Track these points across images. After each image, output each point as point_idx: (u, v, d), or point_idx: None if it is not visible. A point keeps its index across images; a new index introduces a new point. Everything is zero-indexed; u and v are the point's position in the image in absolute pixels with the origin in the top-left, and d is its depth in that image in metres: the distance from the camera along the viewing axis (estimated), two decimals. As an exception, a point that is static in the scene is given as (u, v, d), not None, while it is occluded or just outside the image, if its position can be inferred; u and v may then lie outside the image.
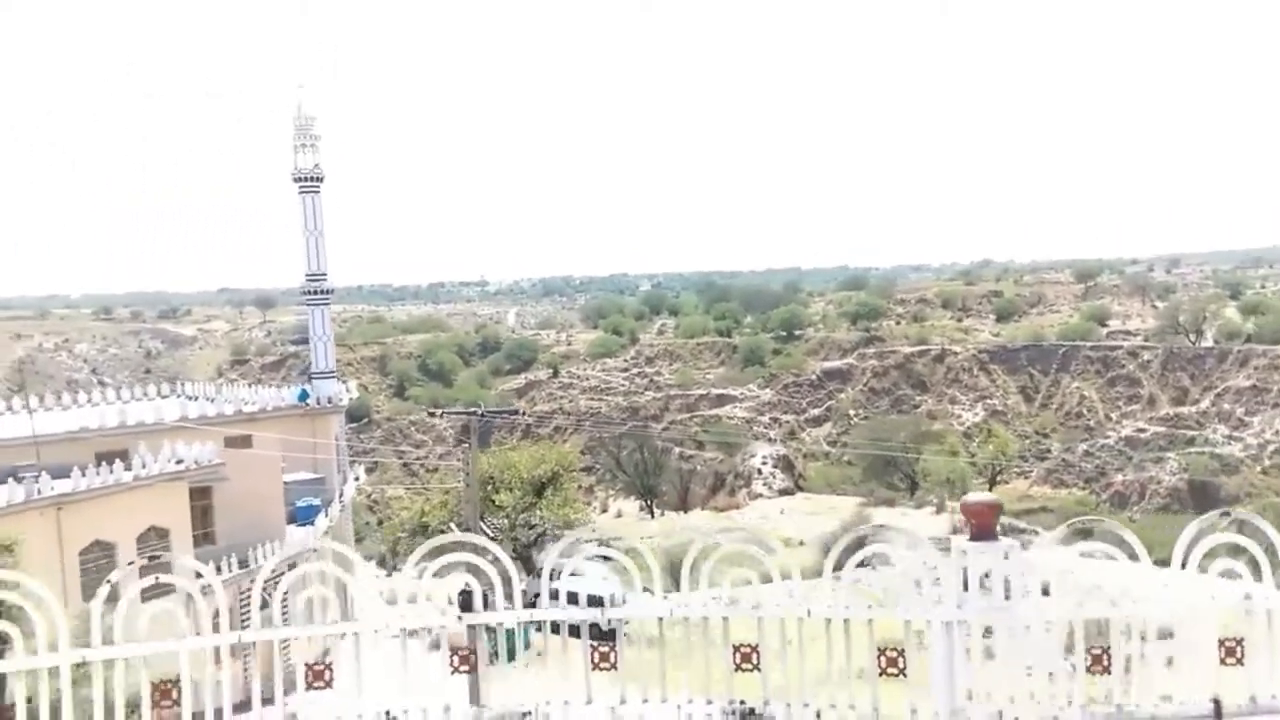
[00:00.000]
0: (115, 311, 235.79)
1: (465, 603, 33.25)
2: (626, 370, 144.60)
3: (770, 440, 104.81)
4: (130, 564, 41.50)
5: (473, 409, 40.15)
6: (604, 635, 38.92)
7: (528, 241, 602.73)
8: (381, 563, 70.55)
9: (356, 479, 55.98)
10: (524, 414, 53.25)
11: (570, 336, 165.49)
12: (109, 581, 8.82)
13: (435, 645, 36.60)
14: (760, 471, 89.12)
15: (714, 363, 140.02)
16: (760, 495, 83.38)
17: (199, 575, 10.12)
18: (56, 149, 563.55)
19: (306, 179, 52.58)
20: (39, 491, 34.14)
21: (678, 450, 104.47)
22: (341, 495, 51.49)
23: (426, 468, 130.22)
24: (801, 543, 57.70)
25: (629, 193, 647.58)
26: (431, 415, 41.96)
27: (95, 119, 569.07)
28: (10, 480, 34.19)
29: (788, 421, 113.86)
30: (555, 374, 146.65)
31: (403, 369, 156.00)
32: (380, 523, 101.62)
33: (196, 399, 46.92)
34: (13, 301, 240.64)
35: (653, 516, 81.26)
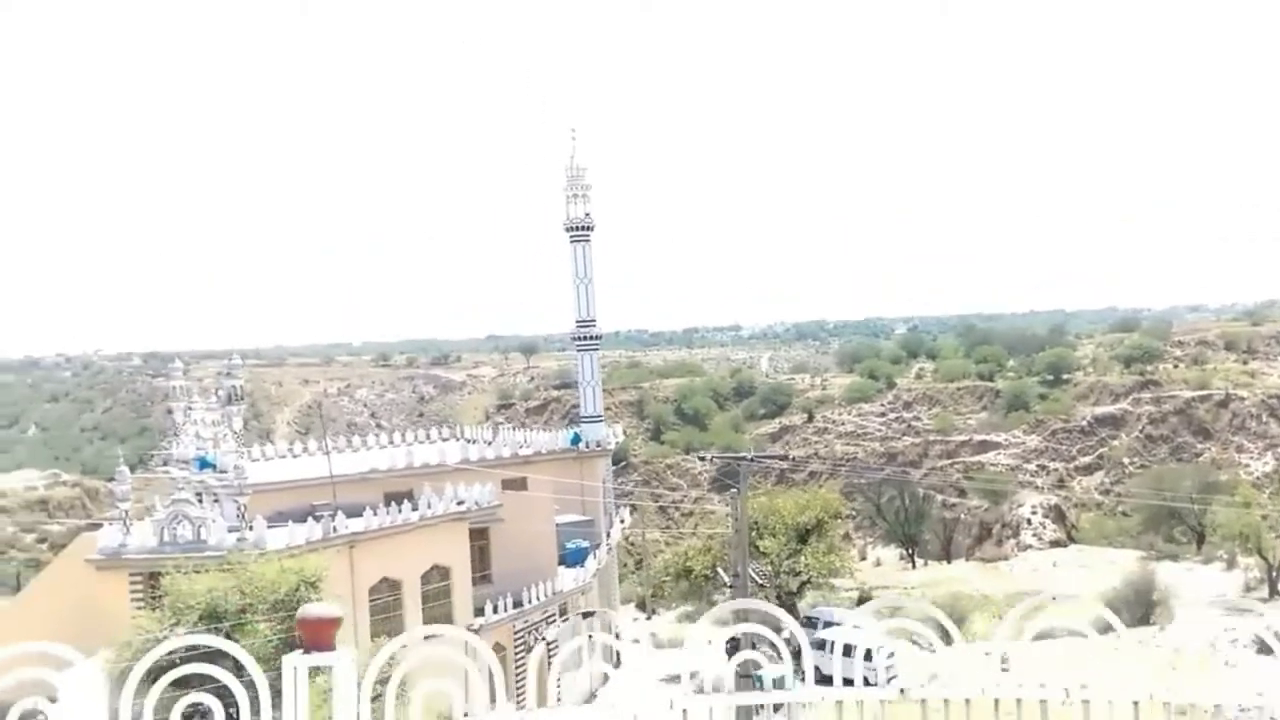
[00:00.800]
0: (392, 358, 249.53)
1: (733, 650, 33.04)
2: (883, 415, 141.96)
3: (1038, 489, 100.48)
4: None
5: (741, 454, 40.11)
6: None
7: (780, 286, 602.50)
8: (641, 606, 71.33)
9: (621, 522, 56.90)
10: (791, 459, 52.81)
11: (825, 381, 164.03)
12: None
13: (699, 690, 36.11)
14: (1029, 521, 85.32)
15: (975, 407, 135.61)
16: (1029, 546, 79.76)
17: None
18: (334, 205, 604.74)
19: (578, 228, 54.18)
20: (335, 529, 36.24)
21: (939, 498, 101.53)
22: (608, 538, 52.43)
23: (681, 511, 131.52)
24: (1054, 599, 54.84)
25: (883, 236, 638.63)
26: (700, 459, 42.11)
27: (381, 169, 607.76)
28: (310, 519, 36.48)
29: (1056, 469, 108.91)
30: (810, 419, 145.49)
31: (659, 413, 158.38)
32: (638, 565, 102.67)
33: (475, 442, 48.88)
34: (302, 350, 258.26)
35: (914, 566, 79.04)
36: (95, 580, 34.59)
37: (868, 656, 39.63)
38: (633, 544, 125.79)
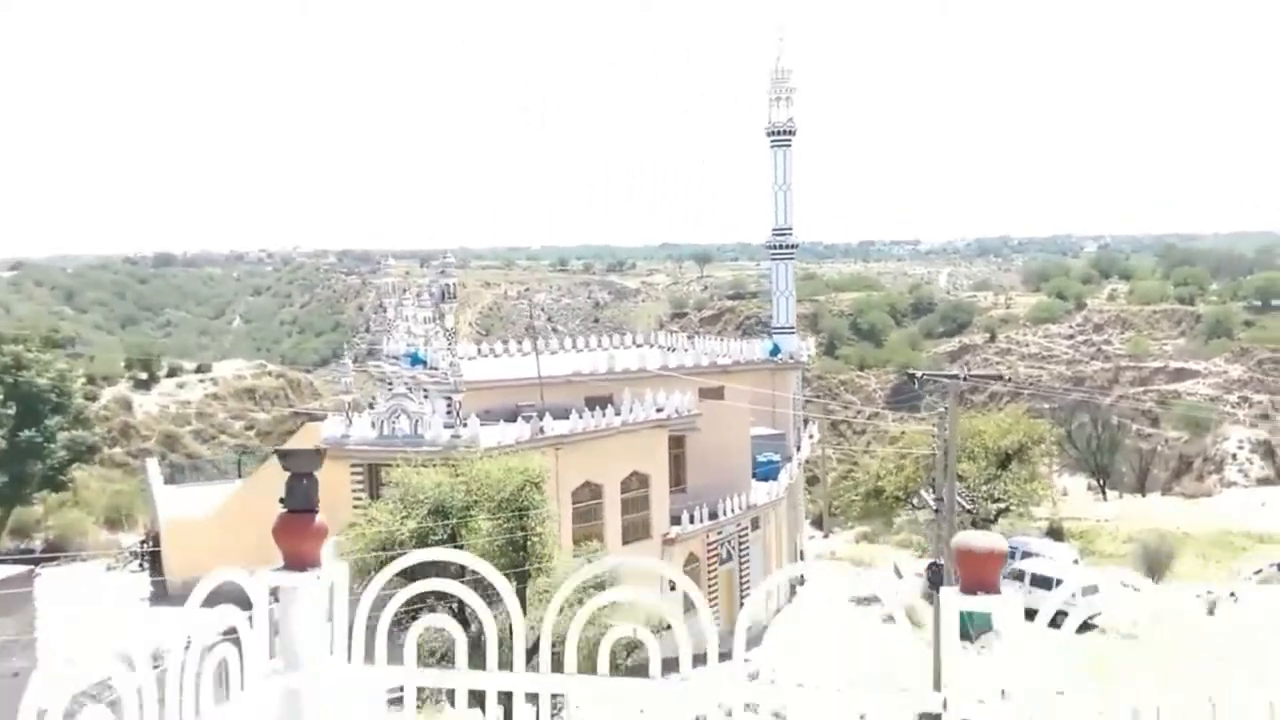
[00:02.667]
0: (569, 263, 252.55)
1: (935, 577, 32.39)
2: (1071, 337, 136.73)
3: (1237, 421, 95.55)
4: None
5: (955, 373, 39.04)
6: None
7: (962, 200, 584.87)
8: (817, 523, 70.84)
9: (811, 437, 56.47)
10: (1007, 380, 51.12)
11: (1009, 299, 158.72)
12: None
13: (889, 618, 35.89)
14: (1234, 457, 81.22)
15: (1172, 333, 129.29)
16: (1234, 483, 76.05)
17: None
18: (524, 107, 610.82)
19: (780, 132, 53.14)
20: (542, 431, 36.90)
21: (1133, 427, 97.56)
22: (798, 452, 52.15)
23: (854, 429, 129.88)
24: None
25: (1071, 147, 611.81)
26: (910, 377, 40.93)
27: (557, 78, 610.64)
28: (520, 419, 37.24)
29: (1260, 402, 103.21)
30: (992, 338, 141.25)
31: (834, 327, 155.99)
32: (812, 481, 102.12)
33: (674, 349, 48.97)
34: (484, 253, 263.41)
35: (1104, 497, 76.33)
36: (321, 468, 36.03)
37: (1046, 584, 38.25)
38: (807, 460, 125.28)
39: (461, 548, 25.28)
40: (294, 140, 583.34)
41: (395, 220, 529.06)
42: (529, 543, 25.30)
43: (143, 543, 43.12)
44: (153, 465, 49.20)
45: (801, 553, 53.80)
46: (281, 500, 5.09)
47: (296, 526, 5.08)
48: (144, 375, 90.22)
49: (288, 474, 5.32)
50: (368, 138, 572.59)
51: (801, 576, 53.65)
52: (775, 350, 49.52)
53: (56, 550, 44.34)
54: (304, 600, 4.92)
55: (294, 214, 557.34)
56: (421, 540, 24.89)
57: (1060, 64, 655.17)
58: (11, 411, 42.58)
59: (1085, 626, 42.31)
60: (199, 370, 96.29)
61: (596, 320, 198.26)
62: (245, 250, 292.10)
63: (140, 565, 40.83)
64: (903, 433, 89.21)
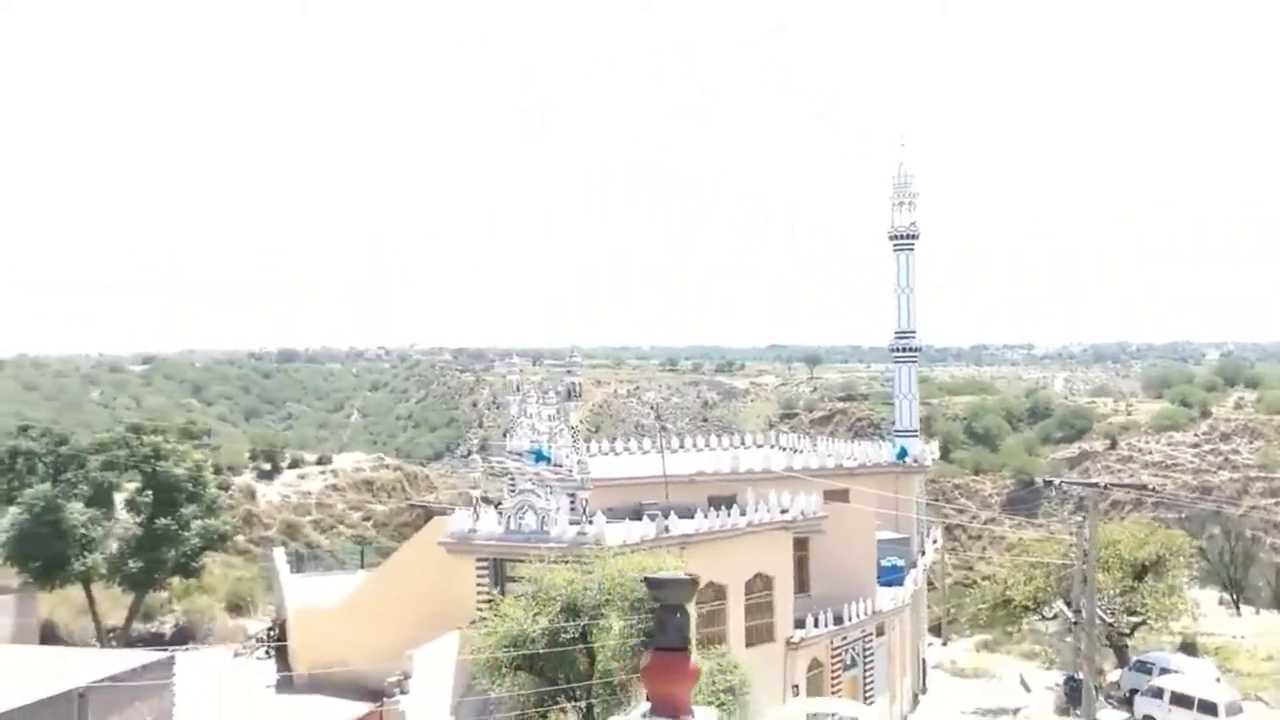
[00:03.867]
0: (679, 363, 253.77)
1: (1073, 691, 31.10)
2: (1197, 446, 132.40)
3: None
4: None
5: (1094, 481, 37.96)
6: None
7: (1077, 304, 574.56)
8: (935, 630, 68.91)
9: (935, 542, 55.24)
10: (1154, 490, 49.45)
11: (1130, 406, 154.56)
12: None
13: None
14: (1381, 573, 77.29)
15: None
16: (1378, 601, 72.30)
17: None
18: (634, 205, 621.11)
19: (902, 236, 53.12)
20: (668, 529, 36.67)
21: (1268, 540, 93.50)
22: (922, 557, 51.03)
23: (969, 534, 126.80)
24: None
25: (1190, 252, 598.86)
26: (1048, 483, 39.73)
27: (675, 181, 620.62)
28: (645, 517, 37.11)
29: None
30: (1113, 445, 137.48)
31: (948, 430, 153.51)
32: (929, 586, 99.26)
33: (800, 451, 48.59)
34: (595, 351, 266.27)
35: (1239, 612, 72.96)
36: (445, 563, 36.35)
37: (1211, 710, 36.86)
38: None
39: (592, 648, 25.09)
40: (411, 240, 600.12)
41: (508, 318, 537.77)
42: (662, 644, 24.95)
43: (269, 630, 43.74)
44: (279, 553, 50.13)
45: (924, 661, 52.30)
46: (647, 636, 4.82)
47: (670, 668, 4.76)
48: (268, 466, 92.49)
49: (658, 605, 5.10)
50: (483, 239, 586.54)
51: (925, 685, 52.15)
52: (902, 453, 48.80)
53: (185, 635, 45.27)
54: None
55: (412, 312, 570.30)
56: (553, 639, 24.75)
57: (1171, 168, 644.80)
58: (149, 499, 43.95)
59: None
60: (320, 462, 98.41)
61: (705, 420, 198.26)
62: (364, 347, 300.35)
63: (267, 653, 41.35)
64: (1020, 539, 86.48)
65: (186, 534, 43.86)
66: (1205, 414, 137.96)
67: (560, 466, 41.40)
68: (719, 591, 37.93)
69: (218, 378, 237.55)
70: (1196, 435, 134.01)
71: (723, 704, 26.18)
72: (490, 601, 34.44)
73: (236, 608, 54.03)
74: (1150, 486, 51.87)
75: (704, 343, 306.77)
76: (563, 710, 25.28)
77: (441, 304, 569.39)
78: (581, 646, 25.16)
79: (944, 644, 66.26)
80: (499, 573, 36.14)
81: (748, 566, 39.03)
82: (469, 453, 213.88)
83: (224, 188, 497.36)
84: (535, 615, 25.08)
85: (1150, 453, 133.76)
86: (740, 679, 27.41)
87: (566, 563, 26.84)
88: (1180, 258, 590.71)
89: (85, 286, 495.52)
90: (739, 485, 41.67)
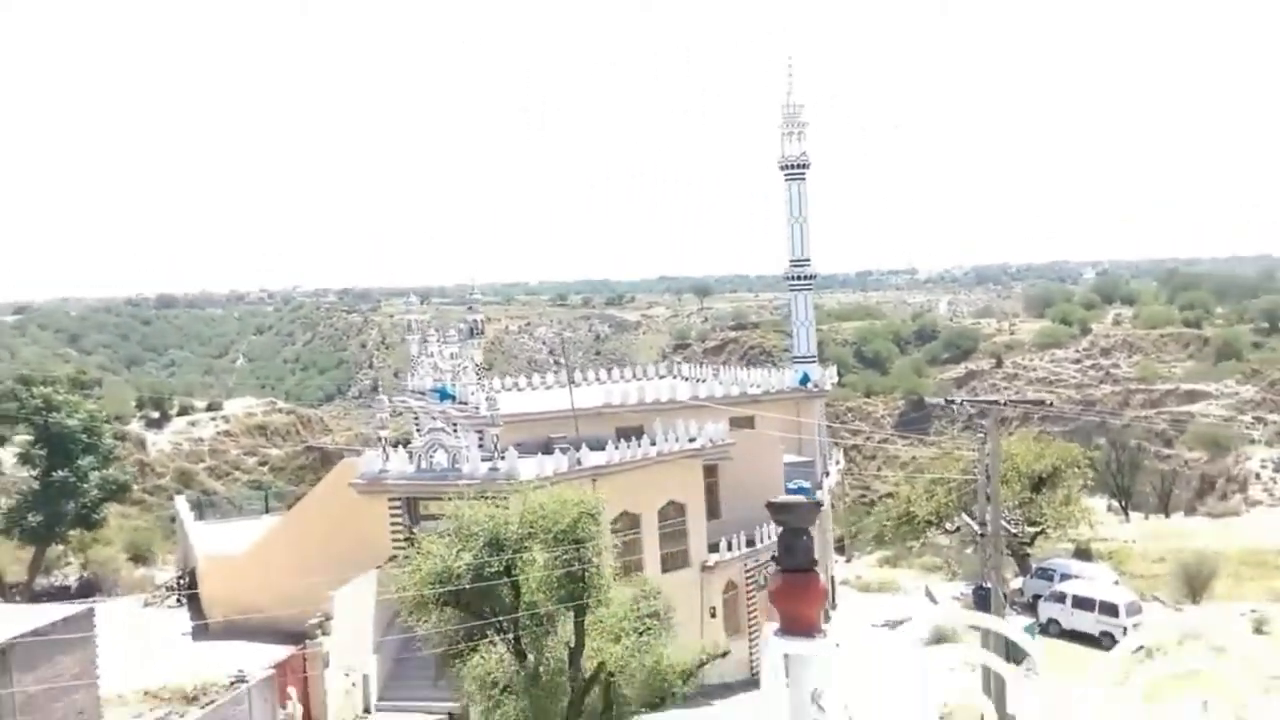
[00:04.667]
0: (569, 298, 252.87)
1: (982, 601, 31.97)
2: (1079, 361, 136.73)
3: (1254, 441, 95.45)
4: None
5: (995, 399, 38.92)
6: (1112, 645, 35.99)
7: (957, 228, 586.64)
8: (839, 549, 70.51)
9: (837, 464, 56.31)
10: (1051, 404, 51.02)
11: (1013, 325, 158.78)
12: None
13: (937, 639, 35.28)
14: (1259, 476, 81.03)
15: (1180, 356, 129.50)
16: (1259, 502, 75.86)
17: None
18: (519, 134, 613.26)
19: (793, 166, 53.39)
20: (579, 463, 36.73)
21: (1151, 449, 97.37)
22: (827, 478, 51.99)
23: (864, 454, 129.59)
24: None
25: (1065, 173, 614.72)
26: (949, 403, 40.99)
27: (557, 104, 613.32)
28: (556, 451, 37.09)
29: (1275, 421, 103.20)
30: (999, 364, 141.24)
31: (839, 355, 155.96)
32: (832, 507, 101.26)
33: (704, 380, 48.87)
34: (484, 288, 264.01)
35: (1128, 518, 76.15)
36: (356, 504, 35.97)
37: (1112, 611, 38.26)
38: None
39: (517, 581, 25.09)
40: (290, 179, 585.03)
41: (393, 257, 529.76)
42: (586, 574, 25.02)
43: (179, 579, 42.93)
44: (182, 502, 49.09)
45: (832, 578, 53.53)
46: (774, 559, 4.79)
47: (799, 588, 4.78)
48: (156, 414, 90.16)
49: (780, 528, 5.08)
50: (363, 174, 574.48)
51: (834, 601, 53.36)
52: (805, 379, 49.46)
53: (90, 587, 44.17)
54: (814, 670, 4.61)
55: (292, 253, 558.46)
56: (477, 573, 24.66)
57: (1048, 88, 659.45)
58: (44, 452, 42.57)
59: (1136, 649, 42.04)
60: (210, 408, 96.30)
61: (598, 353, 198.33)
62: (246, 290, 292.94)
63: (178, 601, 40.63)
64: (914, 457, 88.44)
65: (85, 485, 42.67)
66: (1085, 331, 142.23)
67: (466, 404, 41.10)
68: (633, 520, 38.23)
69: (94, 326, 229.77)
70: (1078, 351, 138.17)
71: (649, 629, 26.46)
72: (408, 540, 34.27)
73: (137, 558, 52.91)
74: (1048, 400, 53.36)
75: (593, 276, 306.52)
76: (491, 643, 25.29)
77: (324, 244, 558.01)
78: (506, 580, 25.10)
79: (847, 561, 67.86)
80: (412, 511, 35.91)
81: (660, 495, 39.41)
82: (359, 394, 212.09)
83: (102, 131, 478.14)
84: (459, 551, 24.91)
85: (1034, 369, 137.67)
86: (664, 604, 27.69)
87: (486, 498, 26.67)
88: (1057, 177, 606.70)
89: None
90: (646, 416, 41.86)
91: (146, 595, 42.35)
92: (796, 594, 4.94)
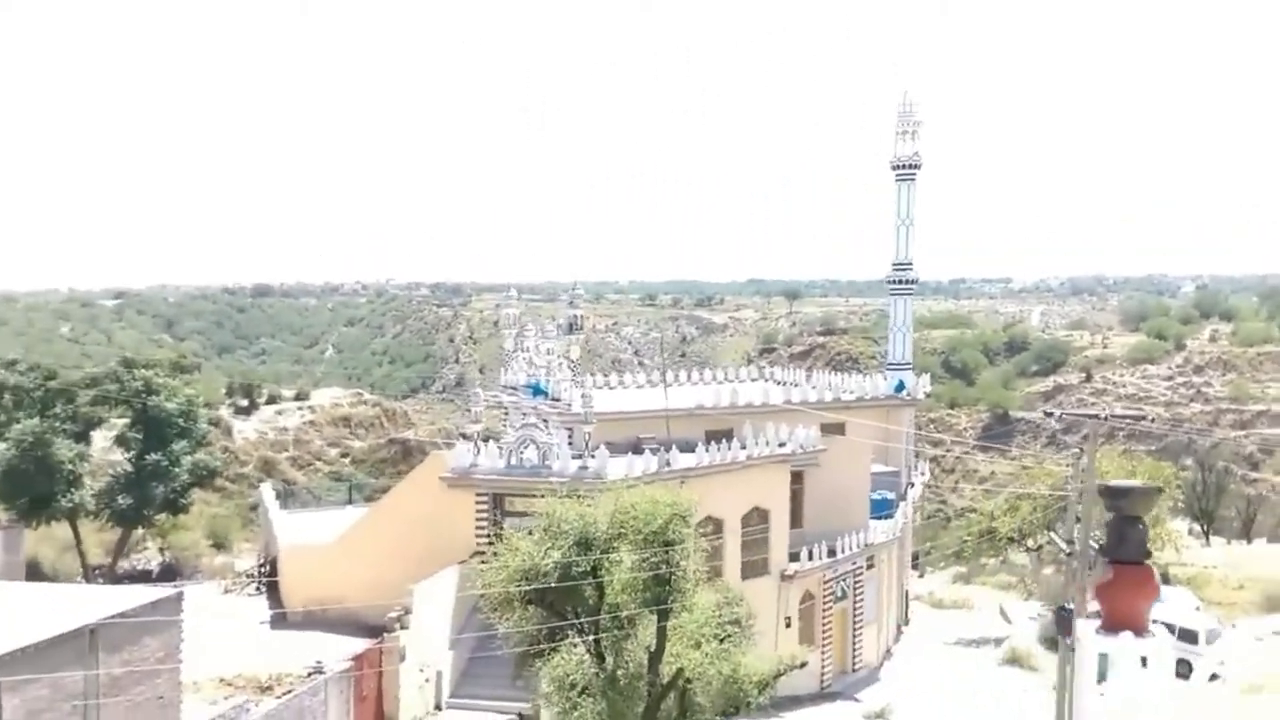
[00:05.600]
0: (657, 298, 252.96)
1: (1063, 621, 30.71)
2: (1170, 379, 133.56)
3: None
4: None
5: (1094, 413, 37.85)
6: (1189, 672, 34.34)
7: (1055, 238, 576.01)
8: (913, 563, 69.27)
9: (922, 475, 55.34)
10: (1152, 420, 49.50)
11: (1106, 339, 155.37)
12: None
13: (1011, 660, 34.35)
14: (1347, 502, 78.28)
15: (1276, 375, 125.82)
16: (1347, 530, 73.31)
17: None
18: (623, 125, 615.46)
19: (905, 166, 52.62)
20: (668, 464, 36.42)
21: (1238, 472, 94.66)
22: (911, 490, 51.13)
23: (943, 467, 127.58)
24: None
25: (1167, 186, 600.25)
26: (1048, 415, 39.95)
27: (665, 110, 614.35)
28: (646, 451, 36.81)
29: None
30: (1088, 378, 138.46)
31: (925, 364, 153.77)
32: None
33: (797, 384, 48.28)
34: (572, 286, 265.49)
35: (1209, 543, 73.95)
36: (443, 498, 36.02)
37: (1191, 639, 36.90)
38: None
39: (602, 582, 24.80)
40: (389, 171, 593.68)
41: (486, 253, 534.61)
42: (673, 578, 24.69)
43: (260, 567, 43.40)
44: (267, 489, 49.63)
45: (907, 593, 52.65)
46: (1101, 549, 4.43)
47: (1131, 582, 4.41)
48: (244, 401, 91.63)
49: (1112, 516, 4.71)
50: (463, 168, 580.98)
51: (908, 617, 52.46)
52: (900, 386, 48.60)
53: (172, 572, 44.90)
54: (1139, 667, 4.20)
55: (389, 247, 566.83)
56: (564, 572, 24.45)
57: (1150, 94, 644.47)
58: (140, 435, 43.28)
59: (1210, 675, 40.72)
60: (297, 398, 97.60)
61: (684, 354, 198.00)
62: (340, 282, 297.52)
63: (258, 589, 41.06)
64: (993, 472, 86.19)
65: (177, 470, 43.25)
66: (1180, 346, 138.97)
67: (559, 401, 40.96)
68: (716, 525, 37.79)
69: (190, 313, 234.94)
70: (1170, 368, 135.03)
71: (729, 636, 26.06)
72: (493, 536, 34.20)
73: (217, 545, 53.67)
74: (1149, 417, 51.83)
75: (683, 277, 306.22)
76: (572, 644, 25.06)
77: (418, 239, 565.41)
78: (592, 581, 24.85)
79: (920, 576, 66.68)
80: (499, 507, 35.88)
81: (745, 500, 38.94)
82: (444, 389, 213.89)
83: (201, 123, 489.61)
84: (547, 549, 24.71)
85: (1124, 385, 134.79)
86: (745, 611, 27.26)
87: (579, 497, 26.44)
88: (1157, 191, 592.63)
89: (56, 220, 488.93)
90: (736, 419, 41.38)
91: (226, 582, 42.80)
92: (1127, 588, 4.48)
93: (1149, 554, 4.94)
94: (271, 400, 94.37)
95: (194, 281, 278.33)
